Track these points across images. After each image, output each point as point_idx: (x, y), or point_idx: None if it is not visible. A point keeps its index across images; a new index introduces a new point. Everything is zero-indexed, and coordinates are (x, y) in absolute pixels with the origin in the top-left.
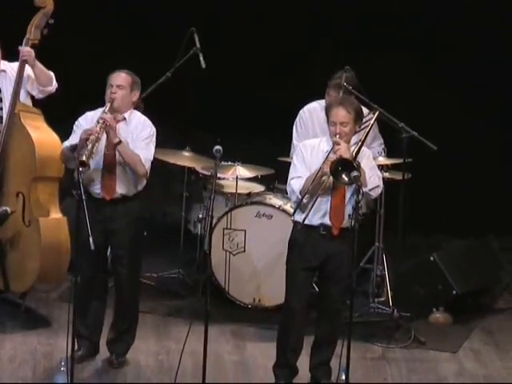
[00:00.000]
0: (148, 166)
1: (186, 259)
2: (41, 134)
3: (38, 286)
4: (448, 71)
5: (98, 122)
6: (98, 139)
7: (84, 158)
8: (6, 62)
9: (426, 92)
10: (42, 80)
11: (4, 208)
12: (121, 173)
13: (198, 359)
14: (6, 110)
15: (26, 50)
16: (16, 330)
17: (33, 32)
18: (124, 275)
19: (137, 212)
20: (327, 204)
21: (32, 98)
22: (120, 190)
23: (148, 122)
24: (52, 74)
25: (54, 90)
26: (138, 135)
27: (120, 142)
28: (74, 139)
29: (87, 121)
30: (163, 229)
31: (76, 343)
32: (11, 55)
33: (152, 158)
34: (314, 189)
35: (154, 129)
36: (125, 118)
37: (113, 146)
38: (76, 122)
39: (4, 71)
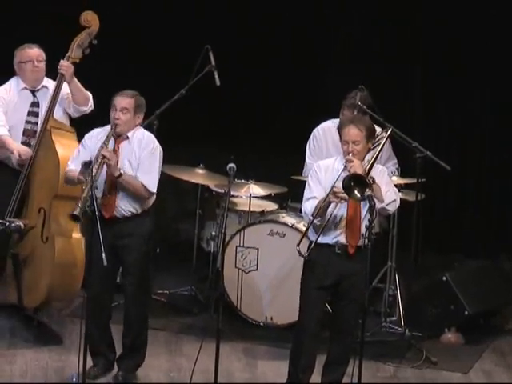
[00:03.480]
0: (153, 188)
1: (199, 276)
2: (68, 152)
3: (53, 303)
4: (463, 91)
5: (96, 160)
6: (93, 187)
7: (76, 212)
8: (50, 80)
9: (440, 112)
10: (78, 98)
11: (17, 223)
12: (126, 191)
13: (210, 377)
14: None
15: (65, 65)
16: (28, 345)
17: (74, 50)
18: (131, 292)
19: (146, 229)
20: (343, 222)
21: (70, 117)
22: (127, 207)
23: (150, 139)
24: (90, 94)
25: (89, 110)
26: (141, 154)
27: (121, 175)
28: (78, 159)
29: (92, 139)
30: (176, 246)
31: (92, 360)
32: (53, 72)
33: (157, 179)
34: (323, 212)
35: (156, 144)
36: (128, 137)
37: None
38: (82, 141)
39: (46, 87)
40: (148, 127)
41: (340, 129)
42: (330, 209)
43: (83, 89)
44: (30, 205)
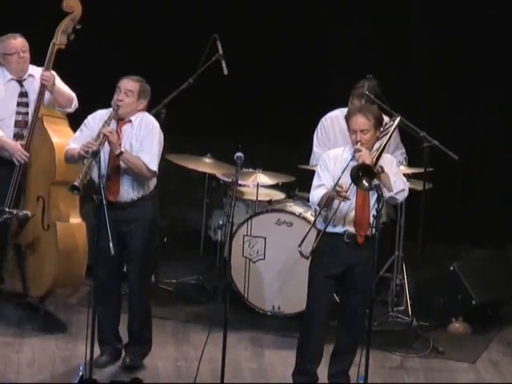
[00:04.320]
0: (154, 166)
1: (206, 265)
2: (62, 138)
3: (58, 291)
4: (470, 82)
5: (98, 137)
6: (93, 161)
7: (77, 183)
8: (34, 67)
9: (449, 102)
10: (61, 102)
11: (25, 212)
12: (129, 175)
13: (217, 366)
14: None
15: (45, 75)
16: (35, 334)
17: (59, 37)
18: (133, 279)
19: (149, 216)
20: (352, 212)
21: None
22: (130, 192)
23: (149, 119)
24: (73, 95)
25: (73, 110)
26: (141, 135)
27: (121, 153)
28: (80, 139)
29: (95, 120)
30: (183, 235)
31: (100, 349)
32: (39, 59)
33: (157, 157)
34: (329, 204)
35: (155, 124)
36: (131, 121)
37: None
38: (85, 120)
39: (32, 76)
40: (156, 116)
41: (348, 118)
42: (336, 201)
43: (66, 92)
44: (28, 194)
